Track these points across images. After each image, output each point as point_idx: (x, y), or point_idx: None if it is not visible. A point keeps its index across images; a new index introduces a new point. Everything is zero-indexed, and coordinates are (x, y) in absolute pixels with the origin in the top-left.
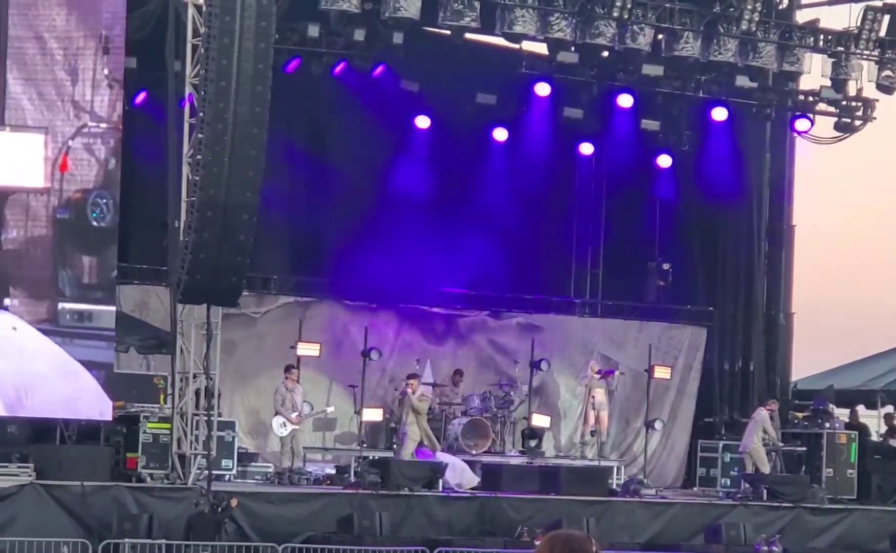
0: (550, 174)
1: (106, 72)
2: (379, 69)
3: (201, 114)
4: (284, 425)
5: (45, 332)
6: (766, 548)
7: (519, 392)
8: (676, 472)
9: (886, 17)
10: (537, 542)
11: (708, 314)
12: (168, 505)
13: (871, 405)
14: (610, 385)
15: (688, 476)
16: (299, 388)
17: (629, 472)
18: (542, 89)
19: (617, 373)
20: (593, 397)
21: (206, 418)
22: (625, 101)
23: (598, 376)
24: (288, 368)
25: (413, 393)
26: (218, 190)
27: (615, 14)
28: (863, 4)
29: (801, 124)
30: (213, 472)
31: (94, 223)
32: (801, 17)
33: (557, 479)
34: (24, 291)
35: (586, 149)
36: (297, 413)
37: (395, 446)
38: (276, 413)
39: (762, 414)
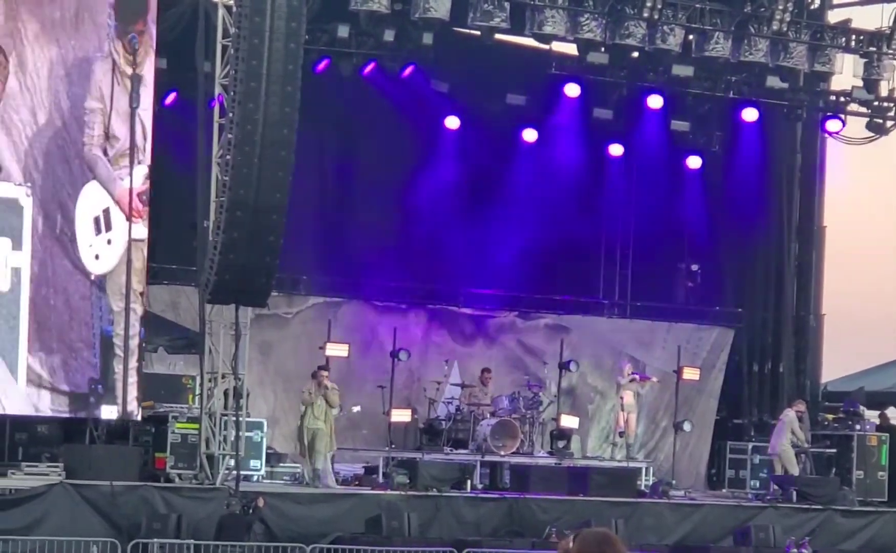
0: (580, 175)
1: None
2: (408, 70)
3: (231, 114)
4: None
5: None
6: (795, 550)
7: (547, 393)
8: (697, 471)
9: None
10: (555, 540)
11: (737, 315)
12: (196, 505)
13: None
14: (640, 388)
15: (717, 476)
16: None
17: (656, 474)
18: (572, 90)
19: (653, 379)
20: (622, 399)
21: (234, 419)
22: (655, 101)
23: (631, 379)
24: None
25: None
26: (247, 190)
27: (645, 14)
28: (895, 4)
29: (832, 125)
30: (242, 472)
31: None
32: (833, 17)
33: (586, 481)
34: None
35: (616, 150)
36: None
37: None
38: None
39: (790, 415)
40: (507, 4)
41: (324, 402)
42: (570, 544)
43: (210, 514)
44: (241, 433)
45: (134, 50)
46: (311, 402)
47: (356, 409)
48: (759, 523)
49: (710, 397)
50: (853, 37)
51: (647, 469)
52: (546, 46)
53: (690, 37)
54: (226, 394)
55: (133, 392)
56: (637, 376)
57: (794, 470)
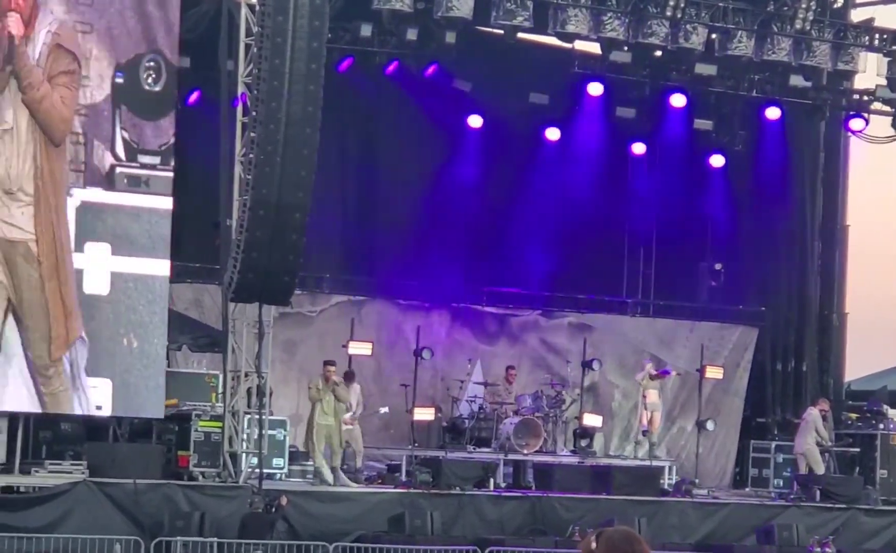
0: (603, 174)
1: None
2: (431, 68)
3: (254, 113)
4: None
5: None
6: (819, 549)
7: (570, 392)
8: (724, 470)
9: None
10: (578, 539)
11: (760, 314)
12: (219, 503)
13: None
14: (664, 386)
15: (740, 475)
16: (356, 388)
17: (679, 472)
18: (595, 89)
19: (673, 374)
20: (645, 397)
21: (257, 417)
22: (677, 100)
23: (654, 376)
24: (347, 375)
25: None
26: (270, 189)
27: (668, 13)
28: None
29: (855, 123)
30: (265, 470)
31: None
32: (856, 15)
33: (609, 479)
34: None
35: (638, 148)
36: (350, 413)
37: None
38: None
39: (813, 414)
40: (529, 3)
41: (333, 399)
42: (593, 544)
43: (233, 513)
44: (264, 431)
45: None
46: (319, 399)
47: (384, 410)
48: (782, 522)
49: (734, 396)
50: (876, 35)
51: (670, 468)
52: (569, 45)
53: (713, 35)
54: (249, 392)
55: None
56: (658, 373)
57: (820, 469)
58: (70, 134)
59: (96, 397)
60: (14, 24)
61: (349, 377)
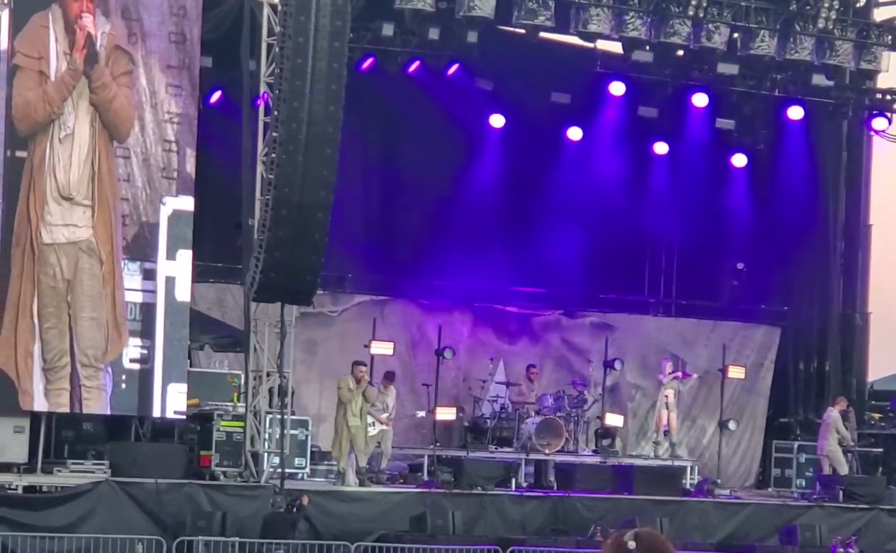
0: (624, 173)
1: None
2: (453, 68)
3: (276, 112)
4: (374, 425)
5: None
6: (842, 549)
7: (592, 391)
8: (748, 471)
9: None
10: (600, 538)
11: (782, 314)
12: (241, 503)
13: None
14: (681, 386)
15: (763, 475)
16: (392, 389)
17: (701, 472)
18: (617, 88)
19: (694, 376)
20: (666, 397)
21: (279, 417)
22: (700, 100)
23: (673, 376)
24: (387, 375)
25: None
26: (292, 188)
27: (690, 13)
28: None
29: (878, 123)
30: (286, 470)
31: None
32: (879, 15)
33: (631, 479)
34: None
35: (661, 148)
36: (387, 414)
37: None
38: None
39: (833, 414)
40: (551, 3)
41: (362, 400)
42: (631, 543)
43: (255, 512)
44: (285, 431)
45: None
46: (351, 400)
47: (420, 414)
48: (805, 522)
49: (759, 397)
50: None
51: (692, 468)
52: (591, 45)
53: (735, 35)
54: (271, 392)
55: None
56: (679, 374)
57: (844, 469)
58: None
59: (181, 403)
60: (91, 24)
61: (389, 377)
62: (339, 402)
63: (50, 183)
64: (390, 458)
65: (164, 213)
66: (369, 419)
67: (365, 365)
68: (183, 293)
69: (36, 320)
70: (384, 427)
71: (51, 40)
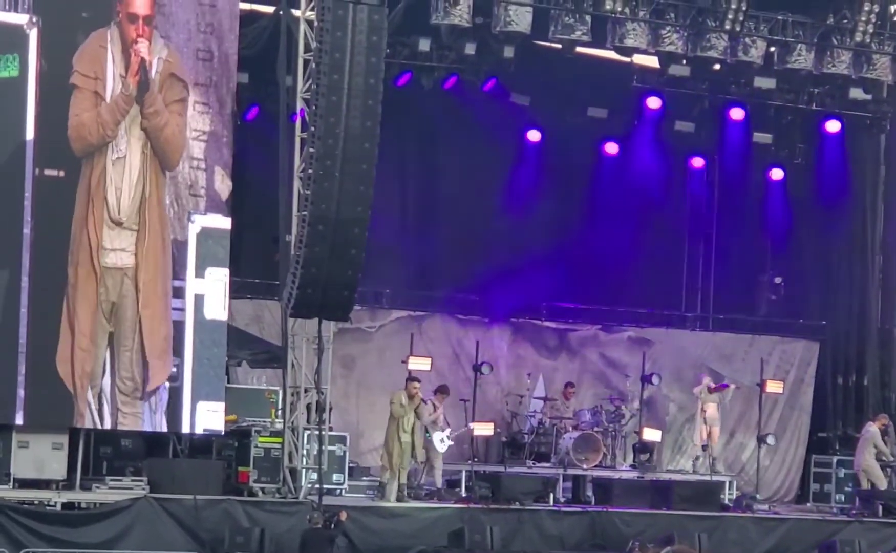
0: (661, 188)
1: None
2: (490, 83)
3: (312, 128)
4: (443, 441)
5: None
6: None
7: (630, 406)
8: (789, 486)
9: None
10: None
11: (820, 328)
12: (279, 519)
13: None
14: (723, 399)
15: (802, 490)
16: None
17: (741, 488)
18: (654, 103)
19: (732, 387)
20: (705, 411)
21: (317, 433)
22: (737, 114)
23: (712, 390)
24: (441, 388)
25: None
26: (329, 204)
27: (727, 27)
28: None
29: None
30: (324, 486)
31: None
32: None
33: (669, 494)
34: None
35: (698, 162)
36: (449, 430)
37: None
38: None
39: (871, 430)
40: (588, 18)
41: (413, 416)
42: None
43: (293, 528)
44: (323, 447)
45: None
46: (403, 415)
47: (473, 426)
48: (844, 538)
49: (801, 412)
50: None
51: (730, 483)
52: (627, 59)
53: (772, 49)
54: (308, 408)
55: None
56: (716, 386)
57: (882, 484)
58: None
59: (212, 421)
60: (146, 50)
61: (443, 390)
62: (390, 417)
63: (103, 205)
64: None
65: (193, 230)
66: (439, 436)
67: (419, 381)
68: (214, 311)
69: (89, 341)
70: (450, 443)
71: (108, 61)
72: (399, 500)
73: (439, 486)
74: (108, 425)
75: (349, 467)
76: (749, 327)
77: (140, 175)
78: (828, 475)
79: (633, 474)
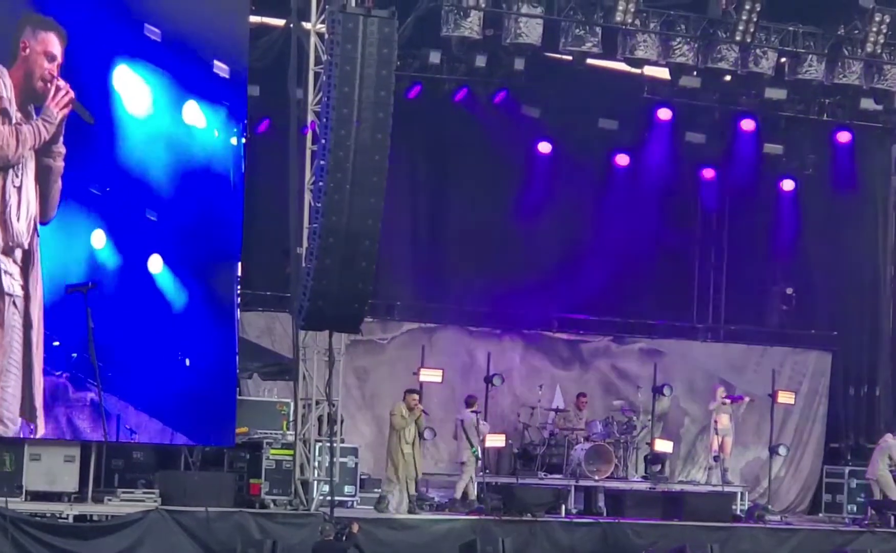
0: (672, 199)
1: None
2: (500, 95)
3: (323, 141)
4: (476, 450)
5: None
6: None
7: (641, 417)
8: (803, 497)
9: None
10: None
11: (832, 339)
12: (291, 531)
13: None
14: (736, 411)
15: (814, 501)
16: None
17: (749, 497)
18: (664, 114)
19: (746, 400)
20: (716, 422)
21: (328, 444)
22: (747, 124)
23: (726, 402)
24: (471, 399)
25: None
26: (340, 216)
27: (738, 38)
28: None
29: None
30: (336, 498)
31: None
32: None
33: (681, 505)
34: None
35: (708, 173)
36: (477, 444)
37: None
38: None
39: (888, 441)
40: (598, 29)
41: (415, 428)
42: None
43: (304, 540)
44: (335, 459)
45: None
46: (404, 427)
47: (496, 442)
48: (856, 548)
49: (816, 423)
50: None
51: (742, 493)
52: (638, 71)
53: (783, 60)
54: (320, 420)
55: None
56: (729, 399)
57: (894, 495)
58: None
59: None
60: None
61: (470, 403)
62: (392, 430)
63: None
64: (435, 484)
65: None
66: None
67: (418, 392)
68: None
69: None
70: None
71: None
72: (409, 511)
73: (472, 497)
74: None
75: (361, 479)
76: (760, 338)
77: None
78: (840, 486)
79: (644, 485)
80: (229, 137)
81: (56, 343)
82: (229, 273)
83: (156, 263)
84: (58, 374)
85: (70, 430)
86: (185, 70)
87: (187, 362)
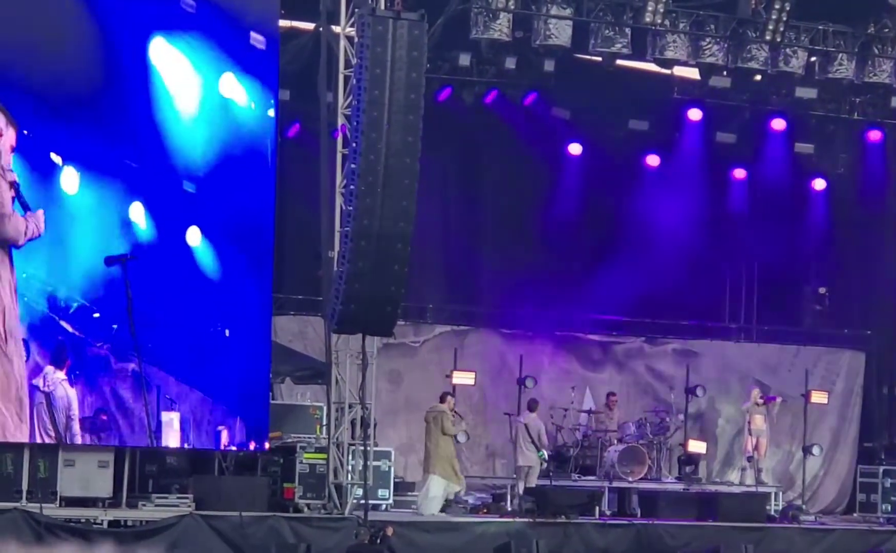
0: (703, 199)
1: None
2: (530, 97)
3: (354, 144)
4: (542, 453)
5: None
6: None
7: (674, 418)
8: (840, 497)
9: None
10: None
11: (865, 338)
12: (325, 535)
13: None
14: (770, 412)
15: (849, 501)
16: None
17: (785, 497)
18: (695, 114)
19: (778, 400)
20: (751, 423)
21: (362, 448)
22: (778, 124)
23: (761, 403)
24: (534, 402)
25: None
26: (371, 219)
27: (768, 37)
28: None
29: None
30: (370, 501)
31: None
32: None
33: (715, 506)
34: None
35: (739, 173)
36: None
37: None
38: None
39: None
40: (628, 30)
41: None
42: None
43: (339, 544)
44: (369, 462)
45: None
46: (454, 431)
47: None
48: (891, 548)
49: (852, 423)
50: None
51: (776, 494)
52: (668, 71)
53: (813, 59)
54: (353, 423)
55: None
56: (763, 399)
57: None
58: None
59: None
60: None
61: (533, 406)
62: (443, 434)
63: None
64: (470, 487)
65: None
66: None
67: (452, 396)
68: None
69: None
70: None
71: None
72: (452, 513)
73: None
74: None
75: (395, 482)
76: (794, 338)
77: None
78: (874, 485)
79: (678, 486)
80: (266, 110)
81: (96, 314)
82: (265, 244)
83: (194, 235)
84: (99, 345)
85: (114, 400)
86: (222, 41)
87: (227, 333)
